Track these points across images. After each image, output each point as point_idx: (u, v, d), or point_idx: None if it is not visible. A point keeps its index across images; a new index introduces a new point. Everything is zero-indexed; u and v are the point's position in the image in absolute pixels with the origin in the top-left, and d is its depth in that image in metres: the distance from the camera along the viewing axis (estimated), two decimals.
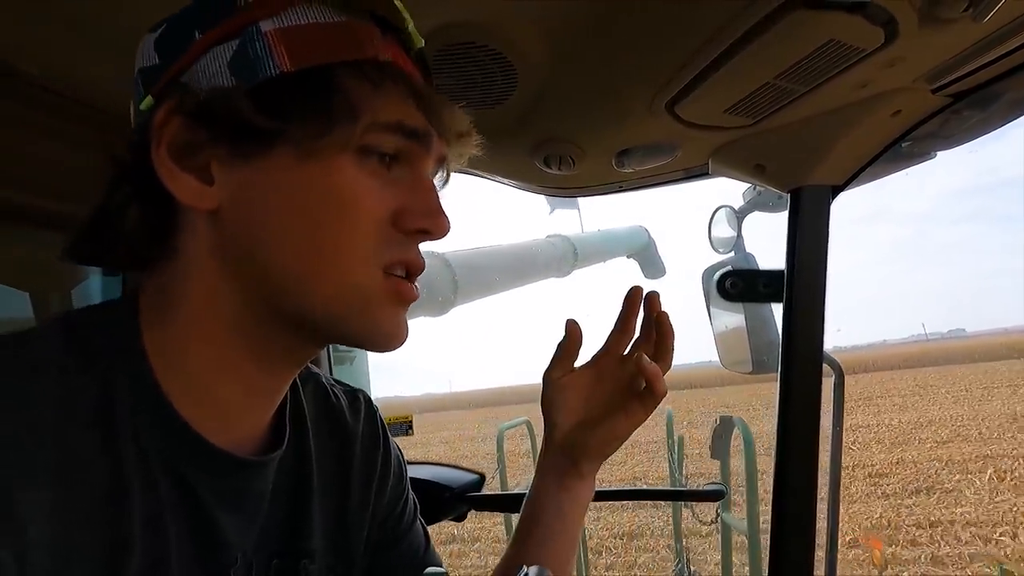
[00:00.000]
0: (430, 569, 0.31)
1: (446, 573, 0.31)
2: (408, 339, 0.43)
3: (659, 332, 0.59)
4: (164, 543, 0.37)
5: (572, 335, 0.62)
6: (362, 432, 0.56)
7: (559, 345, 0.63)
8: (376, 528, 0.55)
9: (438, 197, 0.43)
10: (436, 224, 0.41)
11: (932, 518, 5.34)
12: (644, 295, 0.61)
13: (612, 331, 0.63)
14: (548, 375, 0.62)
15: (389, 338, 0.42)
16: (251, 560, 0.43)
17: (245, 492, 0.43)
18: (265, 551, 0.45)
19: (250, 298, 0.40)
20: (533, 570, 0.33)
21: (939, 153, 0.90)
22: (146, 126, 0.38)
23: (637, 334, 0.63)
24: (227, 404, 0.41)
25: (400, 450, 0.61)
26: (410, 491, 0.61)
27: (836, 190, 0.81)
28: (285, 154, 0.37)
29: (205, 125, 0.37)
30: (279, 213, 0.38)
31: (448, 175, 0.48)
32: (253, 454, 0.44)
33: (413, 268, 0.42)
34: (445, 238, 0.43)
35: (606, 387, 0.61)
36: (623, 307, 0.62)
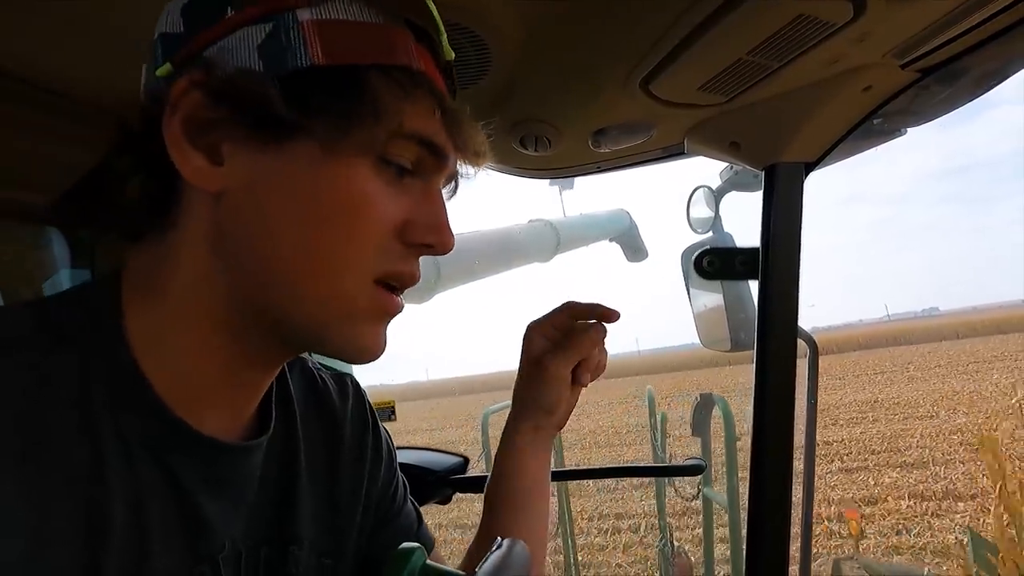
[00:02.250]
0: (404, 545, 0.31)
1: (421, 547, 0.31)
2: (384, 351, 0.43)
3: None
4: (145, 528, 0.36)
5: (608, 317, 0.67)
6: (351, 416, 0.55)
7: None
8: (370, 512, 0.55)
9: (447, 213, 0.42)
10: (441, 240, 0.41)
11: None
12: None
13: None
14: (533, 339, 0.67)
15: (365, 352, 0.41)
16: (240, 548, 0.43)
17: (230, 478, 0.42)
18: (253, 538, 0.44)
19: (236, 289, 0.39)
20: (507, 542, 0.33)
21: (909, 129, 0.92)
22: (161, 94, 0.37)
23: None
24: (208, 391, 0.41)
25: (388, 433, 0.61)
26: (400, 472, 0.61)
27: (809, 167, 0.82)
28: (305, 148, 0.36)
29: (227, 104, 0.36)
30: (287, 207, 0.37)
31: (456, 187, 0.47)
32: (238, 439, 0.43)
33: (408, 281, 0.42)
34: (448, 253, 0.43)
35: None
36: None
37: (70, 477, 0.33)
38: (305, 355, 0.56)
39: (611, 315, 0.66)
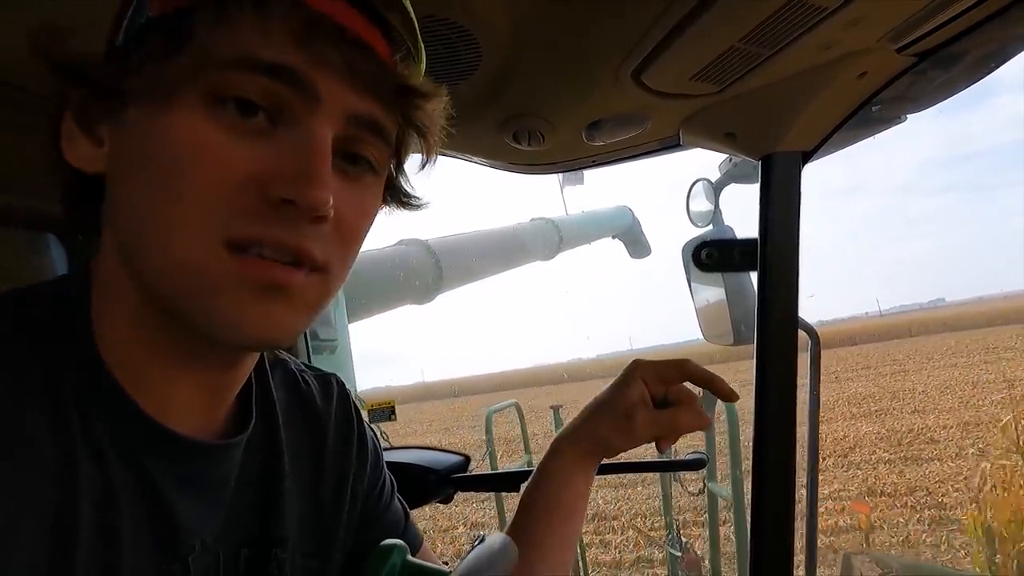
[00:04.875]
0: (385, 541, 0.30)
1: (402, 544, 0.31)
2: (283, 335, 0.36)
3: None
4: (115, 529, 0.36)
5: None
6: (335, 416, 0.55)
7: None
8: (356, 511, 0.55)
9: (318, 161, 0.34)
10: (300, 192, 0.33)
11: None
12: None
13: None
14: (628, 395, 0.62)
15: (237, 330, 0.34)
16: (218, 550, 0.42)
17: (206, 478, 0.42)
18: (233, 540, 0.44)
19: (130, 277, 0.37)
20: (491, 537, 0.32)
21: (908, 116, 0.91)
22: None
23: None
24: (167, 389, 0.39)
25: (374, 431, 0.61)
26: (386, 471, 0.61)
27: (806, 156, 0.81)
28: (136, 111, 0.35)
29: (86, 88, 0.37)
30: (127, 174, 0.35)
31: (429, 152, 0.42)
32: (214, 439, 0.43)
33: (281, 248, 0.34)
34: (322, 213, 0.34)
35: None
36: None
37: (38, 477, 0.33)
38: (287, 356, 0.56)
39: (729, 395, 0.62)
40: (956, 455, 6.46)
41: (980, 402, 8.70)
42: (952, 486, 5.57)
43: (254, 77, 0.33)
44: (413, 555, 0.35)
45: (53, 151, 0.38)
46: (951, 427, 7.57)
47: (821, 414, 0.97)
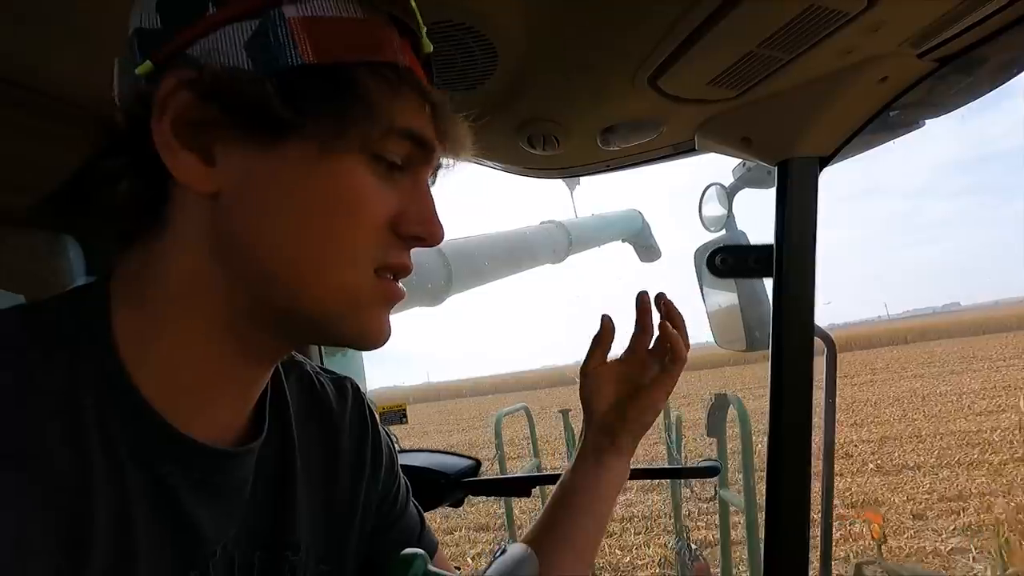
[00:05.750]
0: (406, 550, 0.30)
1: (423, 553, 0.31)
2: (391, 336, 0.44)
3: (671, 321, 0.68)
4: (131, 537, 0.35)
5: (605, 329, 0.69)
6: (350, 420, 0.55)
7: (593, 340, 0.70)
8: (370, 516, 0.55)
9: (435, 205, 0.43)
10: (431, 231, 0.42)
11: None
12: (654, 298, 0.68)
13: (633, 334, 0.70)
14: (584, 369, 0.70)
15: (375, 338, 0.43)
16: (233, 554, 0.42)
17: (222, 484, 0.42)
18: (247, 544, 0.44)
19: (238, 289, 0.39)
20: (512, 547, 0.32)
21: (927, 121, 0.90)
22: (147, 94, 0.36)
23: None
24: (203, 394, 0.40)
25: (389, 435, 0.61)
26: (402, 475, 0.61)
27: (824, 161, 0.81)
28: (301, 148, 0.37)
29: (219, 104, 0.36)
30: (286, 205, 0.38)
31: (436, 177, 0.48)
32: (231, 445, 0.43)
33: (403, 272, 0.43)
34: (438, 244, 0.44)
35: (635, 369, 0.69)
36: (637, 313, 0.69)
37: (55, 484, 0.33)
38: (303, 359, 0.56)
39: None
40: (858, 471, 6.41)
41: (914, 417, 8.64)
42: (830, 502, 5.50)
43: (408, 143, 0.40)
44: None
45: (135, 158, 0.37)
46: (872, 441, 7.49)
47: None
